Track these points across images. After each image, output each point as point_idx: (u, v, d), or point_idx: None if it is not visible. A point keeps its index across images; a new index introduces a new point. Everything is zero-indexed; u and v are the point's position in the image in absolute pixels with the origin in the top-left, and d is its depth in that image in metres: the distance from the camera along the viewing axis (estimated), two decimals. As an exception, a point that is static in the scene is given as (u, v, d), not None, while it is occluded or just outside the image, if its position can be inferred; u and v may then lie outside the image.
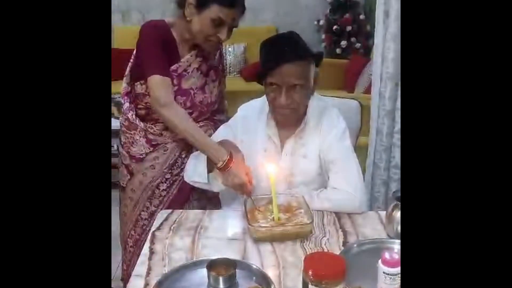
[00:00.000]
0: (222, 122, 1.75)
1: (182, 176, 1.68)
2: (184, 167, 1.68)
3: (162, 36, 1.60)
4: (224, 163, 1.46)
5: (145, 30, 1.60)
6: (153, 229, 1.38)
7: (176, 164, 1.70)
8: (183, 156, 1.70)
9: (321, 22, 4.84)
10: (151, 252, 1.25)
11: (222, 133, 1.62)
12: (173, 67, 1.61)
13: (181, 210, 1.50)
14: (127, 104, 1.71)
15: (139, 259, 1.23)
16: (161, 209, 1.68)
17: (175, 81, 1.62)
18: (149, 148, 1.69)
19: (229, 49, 4.71)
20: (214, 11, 1.51)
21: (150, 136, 1.68)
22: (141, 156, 1.69)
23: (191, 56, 1.65)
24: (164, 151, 1.69)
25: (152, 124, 1.67)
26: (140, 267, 1.18)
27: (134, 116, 1.69)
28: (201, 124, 1.69)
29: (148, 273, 1.16)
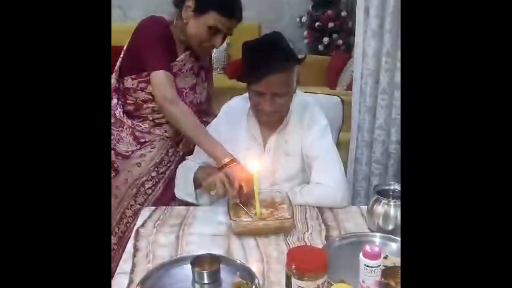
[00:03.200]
0: (207, 123, 1.76)
1: (168, 174, 1.68)
2: (170, 165, 1.69)
3: (163, 32, 1.59)
4: (224, 164, 1.43)
5: (147, 25, 1.58)
6: (136, 226, 1.38)
7: (163, 162, 1.70)
8: (170, 154, 1.70)
9: (304, 19, 4.86)
10: (135, 249, 1.25)
11: None
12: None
13: (164, 207, 1.50)
14: (114, 101, 1.69)
15: (123, 256, 1.23)
16: (147, 206, 1.67)
17: None
18: (136, 146, 1.68)
19: (212, 46, 4.70)
20: (212, 19, 1.51)
21: (138, 134, 1.67)
22: (127, 154, 1.68)
23: (186, 56, 1.64)
24: (151, 148, 1.68)
25: (140, 122, 1.67)
26: (124, 264, 1.19)
27: (121, 113, 1.67)
28: None
29: (132, 270, 1.16)
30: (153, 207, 1.51)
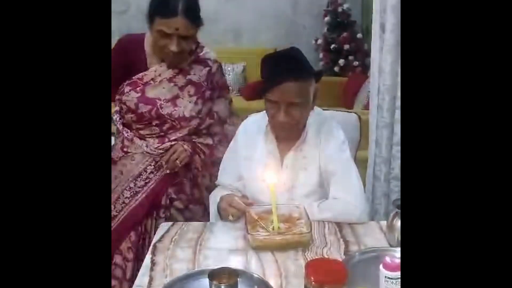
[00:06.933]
0: (206, 146, 1.76)
1: (145, 190, 1.72)
2: (148, 181, 1.73)
3: (123, 53, 1.68)
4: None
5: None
6: (154, 241, 1.38)
7: (141, 177, 1.74)
8: (148, 171, 1.73)
9: (319, 41, 4.89)
10: (153, 263, 1.25)
11: (226, 160, 1.64)
12: (138, 75, 1.68)
13: (182, 223, 1.51)
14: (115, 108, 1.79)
15: (140, 270, 1.24)
16: (122, 215, 1.72)
17: (138, 88, 1.68)
18: (121, 153, 1.75)
19: (229, 68, 4.77)
20: (157, 23, 1.57)
21: (125, 142, 1.74)
22: (116, 159, 1.76)
23: (161, 66, 1.70)
24: (132, 160, 1.74)
25: (128, 128, 1.74)
26: (142, 278, 1.19)
27: (117, 119, 1.77)
28: (173, 143, 1.71)
29: (150, 284, 1.16)
30: (171, 223, 1.51)
